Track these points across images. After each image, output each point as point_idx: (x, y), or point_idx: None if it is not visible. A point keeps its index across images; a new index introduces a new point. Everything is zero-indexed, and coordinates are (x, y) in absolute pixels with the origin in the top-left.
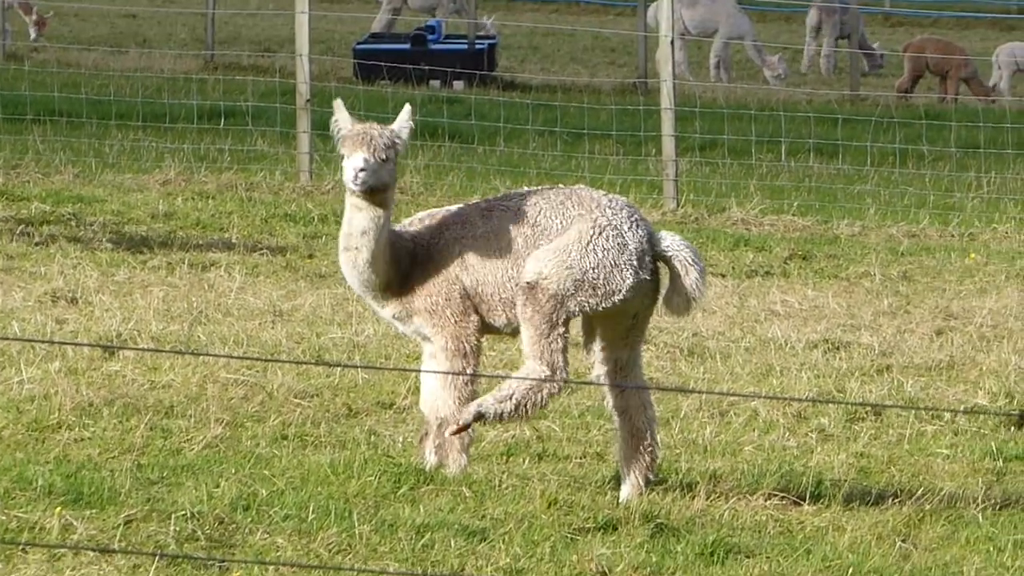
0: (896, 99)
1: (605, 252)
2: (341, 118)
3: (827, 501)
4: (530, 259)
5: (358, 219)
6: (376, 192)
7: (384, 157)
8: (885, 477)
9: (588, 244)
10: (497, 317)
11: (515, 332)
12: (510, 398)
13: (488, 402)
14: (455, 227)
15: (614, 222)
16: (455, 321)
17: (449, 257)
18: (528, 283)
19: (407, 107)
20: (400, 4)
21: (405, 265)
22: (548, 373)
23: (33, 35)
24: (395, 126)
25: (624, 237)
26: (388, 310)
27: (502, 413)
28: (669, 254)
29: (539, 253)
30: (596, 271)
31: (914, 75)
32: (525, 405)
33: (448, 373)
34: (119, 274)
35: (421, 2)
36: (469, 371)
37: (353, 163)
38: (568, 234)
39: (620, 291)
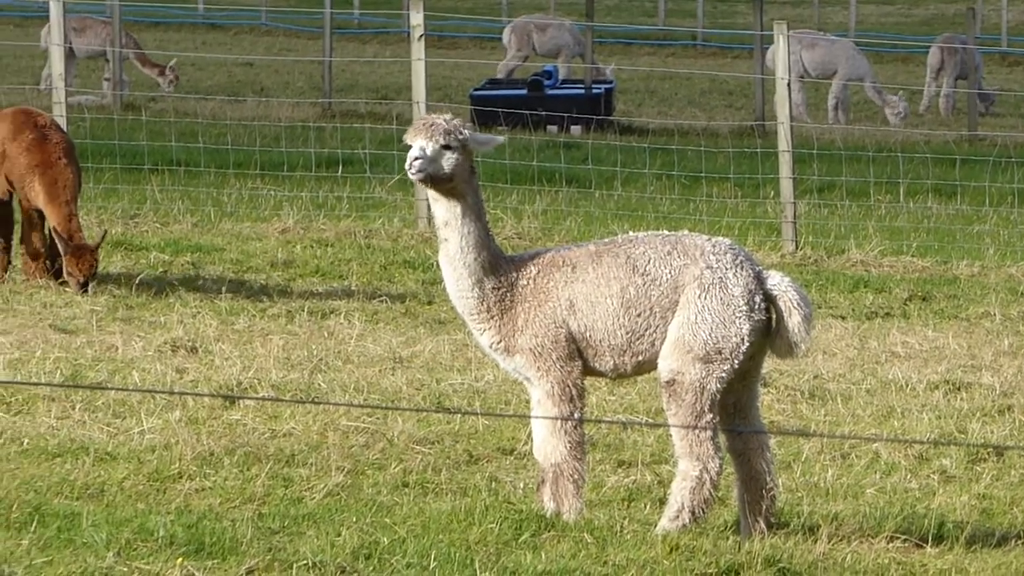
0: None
1: (716, 313)
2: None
3: (950, 543)
4: (660, 359)
5: (437, 210)
6: (439, 182)
7: (443, 143)
8: (1008, 519)
9: (698, 315)
10: (604, 363)
11: (620, 376)
12: (682, 511)
13: (666, 525)
14: (565, 269)
15: (718, 272)
16: (560, 365)
17: (557, 299)
18: (666, 382)
19: (501, 138)
20: (530, 51)
21: (504, 290)
22: (701, 468)
23: (165, 86)
24: (468, 126)
25: (729, 286)
26: (487, 338)
27: (685, 526)
28: (775, 294)
29: (665, 349)
30: (714, 336)
31: None
32: (699, 507)
33: (563, 419)
34: (239, 323)
35: (547, 47)
36: (576, 415)
37: (411, 151)
38: (679, 315)
39: (743, 342)
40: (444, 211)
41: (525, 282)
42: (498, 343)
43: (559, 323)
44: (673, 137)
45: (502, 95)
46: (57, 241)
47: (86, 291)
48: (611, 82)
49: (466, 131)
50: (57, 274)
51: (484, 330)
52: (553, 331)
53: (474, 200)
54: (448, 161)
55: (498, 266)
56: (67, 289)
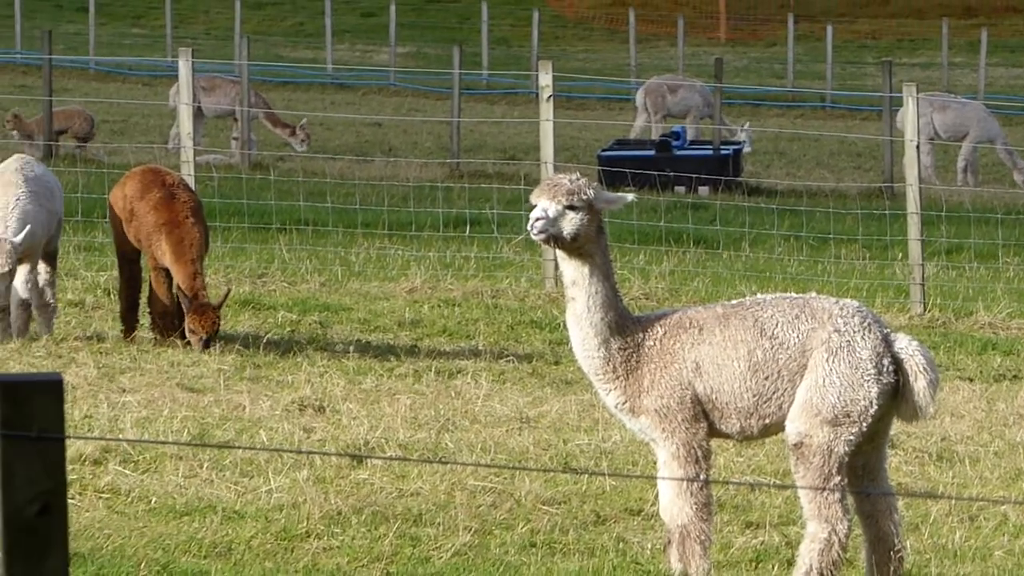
0: None
1: (844, 377)
2: None
3: None
4: (787, 421)
5: (565, 269)
6: (562, 242)
7: (566, 204)
8: None
9: (826, 379)
10: (731, 425)
11: (747, 439)
12: (810, 572)
13: None
14: (692, 331)
15: (845, 336)
16: (685, 427)
17: (683, 360)
18: (794, 444)
19: (630, 196)
20: (665, 111)
21: (631, 351)
22: (830, 530)
23: (297, 146)
24: (595, 186)
25: (856, 349)
26: (612, 398)
27: None
28: (902, 357)
29: (793, 412)
30: (842, 399)
31: None
32: (827, 569)
33: (689, 480)
34: (366, 382)
35: (677, 108)
36: (702, 477)
37: (534, 212)
38: (807, 379)
39: (871, 405)
40: (572, 271)
41: (651, 343)
42: (623, 403)
43: (684, 385)
44: (801, 198)
45: (630, 156)
46: (180, 299)
47: (208, 349)
48: (740, 144)
49: (591, 191)
50: (181, 334)
51: (610, 390)
52: (679, 393)
53: (602, 260)
54: (572, 222)
55: (625, 326)
56: (191, 348)
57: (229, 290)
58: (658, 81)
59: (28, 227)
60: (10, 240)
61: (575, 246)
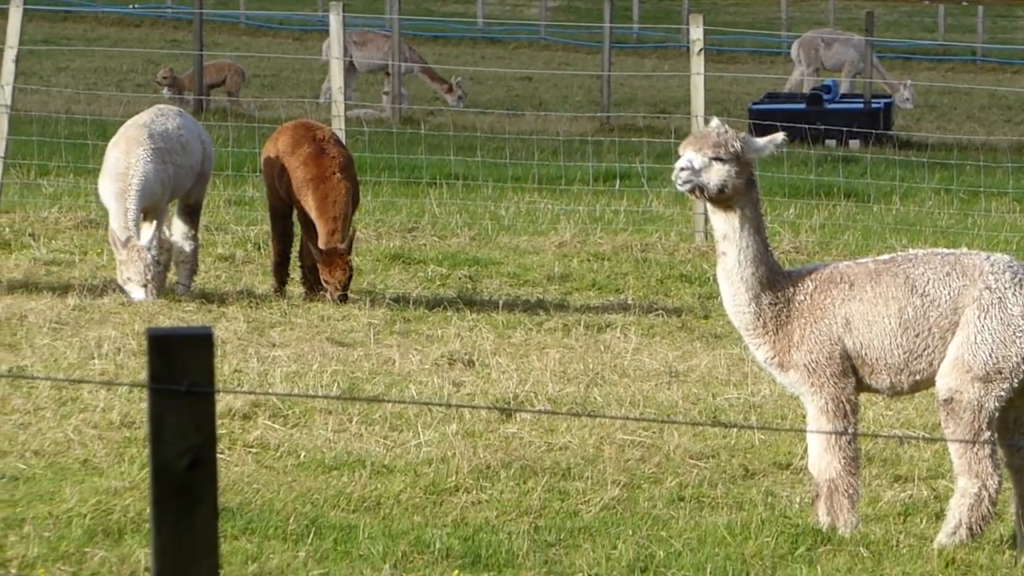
0: None
1: (996, 333)
2: None
3: None
4: (938, 377)
5: (716, 222)
6: (708, 194)
7: (712, 156)
8: None
9: (978, 335)
10: (880, 381)
11: (896, 394)
12: (960, 527)
13: (943, 541)
14: (843, 286)
15: (997, 292)
16: (834, 382)
17: (834, 316)
18: (944, 400)
19: (780, 134)
20: (819, 64)
21: (781, 305)
22: (980, 485)
23: (453, 102)
24: (744, 136)
25: (1008, 305)
26: (762, 352)
27: (963, 542)
28: None
29: (944, 368)
30: (994, 356)
31: None
32: (977, 524)
33: (837, 434)
34: (515, 336)
35: (832, 62)
36: (851, 431)
37: (679, 162)
38: (959, 335)
39: (1023, 361)
40: (722, 224)
41: (802, 298)
42: (773, 358)
43: (834, 340)
44: (952, 152)
45: (781, 109)
46: (312, 251)
47: (345, 299)
48: (891, 98)
49: (739, 142)
50: (313, 287)
51: (759, 345)
52: (828, 348)
53: (752, 213)
54: (718, 173)
55: (775, 281)
56: (327, 300)
57: (354, 231)
58: (813, 35)
59: (154, 224)
60: (144, 247)
61: (723, 198)
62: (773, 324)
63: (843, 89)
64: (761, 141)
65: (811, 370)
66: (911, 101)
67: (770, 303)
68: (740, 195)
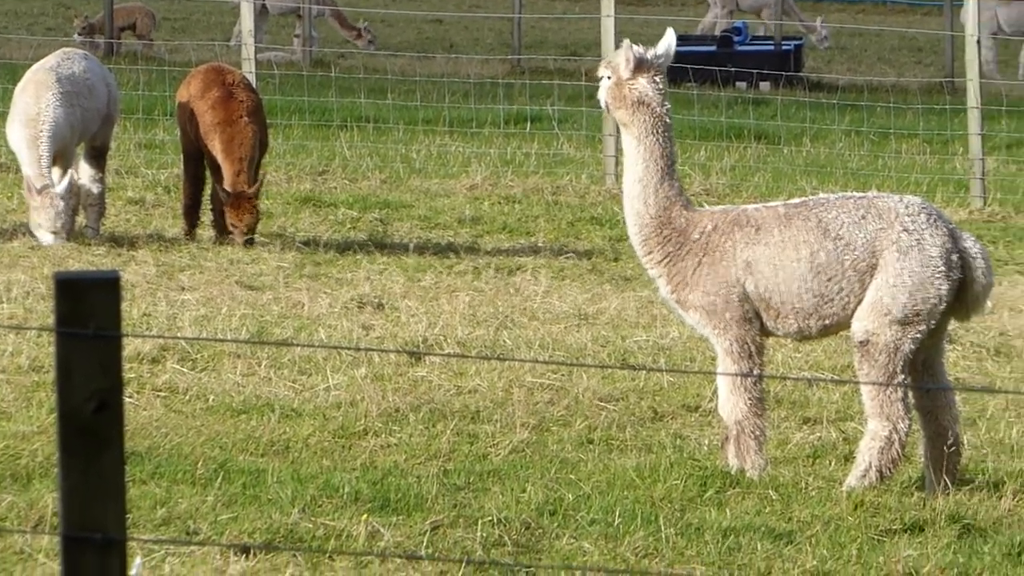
0: None
1: (916, 275)
2: None
3: None
4: (854, 320)
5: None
6: (607, 111)
7: (603, 74)
8: None
9: (897, 278)
10: (787, 326)
11: (804, 339)
12: (869, 469)
13: (853, 483)
14: (748, 230)
15: (915, 234)
16: (736, 324)
17: (733, 259)
18: (860, 342)
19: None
20: (734, 6)
21: (676, 240)
22: (891, 428)
23: (363, 47)
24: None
25: (926, 247)
26: (660, 287)
27: (872, 484)
28: (968, 256)
29: (861, 311)
30: (913, 298)
31: None
32: (887, 467)
33: (743, 375)
34: (425, 279)
35: (749, 3)
36: (756, 371)
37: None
38: (877, 279)
39: (941, 302)
40: (624, 143)
41: (697, 236)
42: (671, 293)
43: (732, 283)
44: (862, 94)
45: (691, 51)
46: (220, 195)
47: (251, 243)
48: (801, 39)
49: (618, 59)
50: (223, 230)
51: (655, 277)
52: (726, 290)
53: (643, 134)
54: (603, 90)
55: (673, 213)
56: (233, 244)
57: (264, 176)
58: None
59: (70, 172)
60: (58, 194)
61: (617, 117)
62: (665, 257)
63: (763, 32)
64: (639, 53)
65: (708, 312)
66: (827, 40)
67: (663, 235)
68: (624, 112)
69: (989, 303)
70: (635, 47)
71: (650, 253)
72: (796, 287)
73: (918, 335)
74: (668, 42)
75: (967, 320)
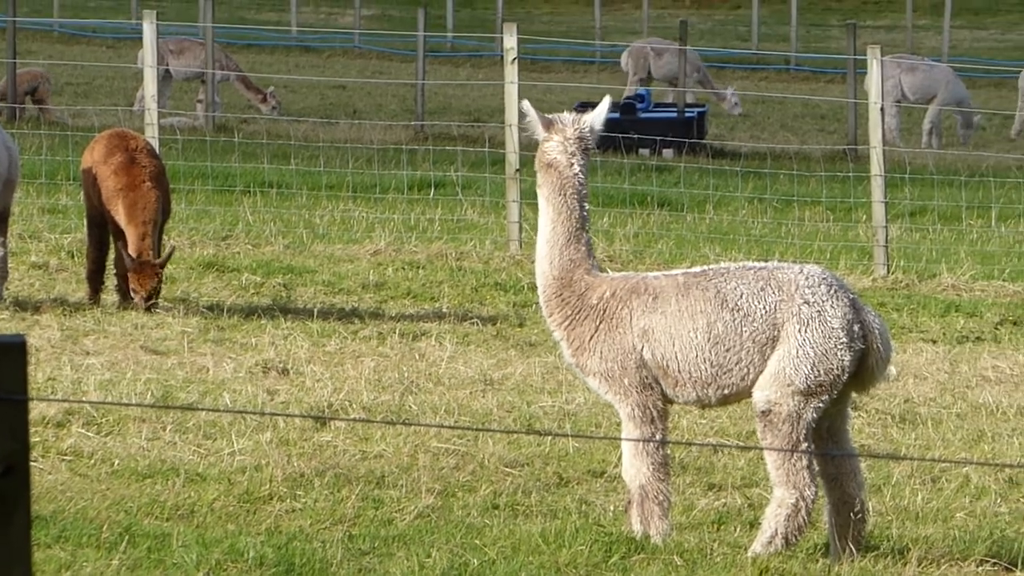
0: None
1: (816, 346)
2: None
3: None
4: (756, 389)
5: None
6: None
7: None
8: None
9: (799, 350)
10: (686, 394)
11: (704, 407)
12: (775, 536)
13: (758, 550)
14: (646, 297)
15: (815, 306)
16: (637, 390)
17: (631, 327)
18: (762, 412)
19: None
20: (645, 75)
21: (576, 304)
22: (798, 496)
23: (267, 111)
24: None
25: (828, 318)
26: (563, 349)
27: (778, 551)
28: (868, 329)
29: (762, 381)
30: (816, 369)
31: None
32: (793, 534)
33: (646, 441)
34: (330, 344)
35: (662, 72)
36: (659, 436)
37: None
38: (779, 350)
39: (843, 373)
40: (539, 203)
41: (595, 302)
42: (571, 357)
43: (628, 350)
44: (766, 161)
45: None
46: (124, 258)
47: (152, 308)
48: (704, 107)
49: (534, 125)
50: (126, 295)
51: (558, 339)
52: (622, 357)
53: (552, 196)
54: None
55: (575, 277)
56: (137, 309)
57: (173, 247)
58: (642, 44)
59: None
60: None
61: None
62: (564, 320)
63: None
64: (552, 116)
65: (607, 378)
66: (739, 106)
67: (563, 297)
68: (542, 175)
69: (890, 373)
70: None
71: (551, 315)
72: (693, 356)
73: (820, 405)
74: (597, 111)
75: (864, 392)
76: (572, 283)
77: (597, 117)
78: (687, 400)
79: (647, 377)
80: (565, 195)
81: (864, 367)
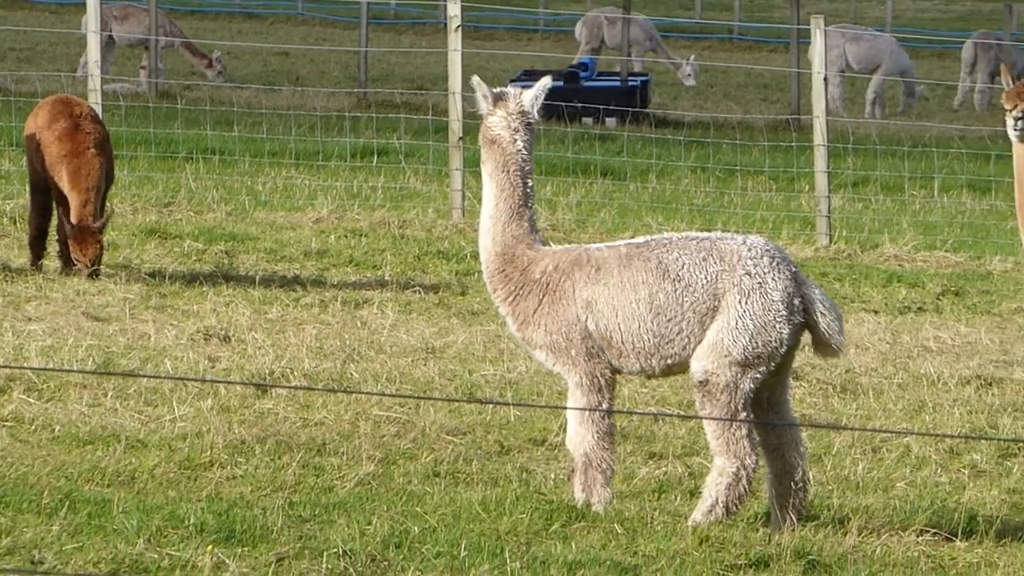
0: None
1: (757, 319)
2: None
3: (979, 537)
4: (693, 359)
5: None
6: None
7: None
8: None
9: (739, 321)
10: (629, 364)
11: (648, 377)
12: (716, 505)
13: (698, 519)
14: (588, 269)
15: (756, 278)
16: (584, 359)
17: (574, 298)
18: (699, 382)
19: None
20: (598, 44)
21: (519, 278)
22: (738, 465)
23: (212, 77)
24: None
25: (769, 290)
26: (508, 324)
27: (718, 520)
28: (809, 302)
29: (700, 351)
30: (754, 341)
31: None
32: (733, 503)
33: (591, 409)
34: (272, 312)
35: (615, 41)
36: (606, 405)
37: None
38: (718, 320)
39: (782, 345)
40: (483, 178)
41: (538, 275)
42: (516, 331)
43: (572, 321)
44: (708, 130)
45: None
46: (65, 224)
47: (95, 276)
48: (647, 75)
49: (481, 98)
50: (68, 261)
51: (504, 314)
52: (567, 328)
53: (494, 172)
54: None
55: (518, 251)
56: (79, 276)
57: (112, 211)
58: (596, 13)
59: None
60: None
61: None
62: (508, 295)
63: (636, 68)
64: (498, 91)
65: (553, 350)
66: (693, 77)
67: (505, 273)
68: (485, 151)
69: (842, 343)
70: (512, 89)
71: (495, 290)
72: (636, 327)
73: (758, 376)
74: (536, 87)
75: (836, 357)
76: (515, 259)
77: (537, 94)
78: (631, 370)
79: (593, 347)
80: (508, 172)
81: (818, 339)
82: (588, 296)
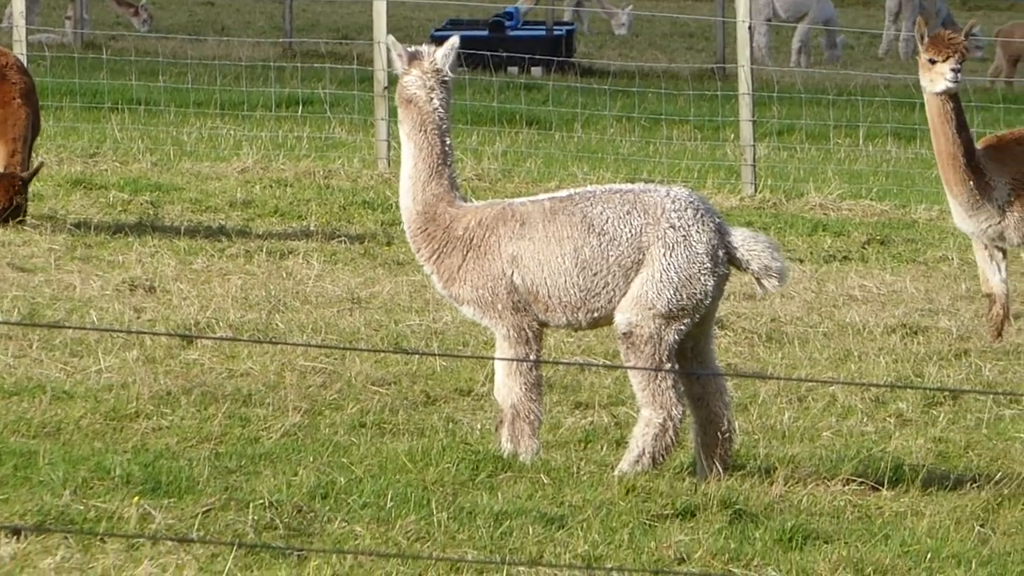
0: (992, 84)
1: (681, 271)
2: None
3: (905, 486)
4: (617, 312)
5: None
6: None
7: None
8: (963, 462)
9: (663, 273)
10: (556, 318)
11: (575, 330)
12: (643, 455)
13: (625, 469)
14: (513, 224)
15: (680, 231)
16: (511, 312)
17: (499, 253)
18: (623, 334)
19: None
20: None
21: (442, 235)
22: (665, 415)
23: (139, 26)
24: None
25: (693, 243)
26: (434, 281)
27: (645, 470)
28: (735, 249)
29: (624, 303)
30: (678, 294)
31: (1011, 60)
32: (660, 453)
33: (518, 360)
34: (197, 262)
35: None
36: (533, 357)
37: None
38: (642, 273)
39: (706, 297)
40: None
41: (461, 232)
42: (442, 288)
43: (497, 275)
44: (634, 79)
45: (463, 36)
46: None
47: (19, 225)
48: (572, 24)
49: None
50: None
51: (428, 272)
52: (492, 283)
53: (411, 131)
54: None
55: (439, 209)
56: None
57: (41, 163)
58: None
59: None
60: None
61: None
62: (432, 254)
63: (567, 17)
64: (411, 49)
65: (480, 305)
66: (627, 27)
67: (428, 232)
68: (402, 111)
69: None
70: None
71: (419, 249)
72: (562, 282)
73: (683, 327)
74: (446, 46)
75: (781, 287)
76: (436, 217)
77: (447, 51)
78: (558, 324)
79: (519, 301)
80: (426, 131)
81: (758, 276)
82: (513, 251)
